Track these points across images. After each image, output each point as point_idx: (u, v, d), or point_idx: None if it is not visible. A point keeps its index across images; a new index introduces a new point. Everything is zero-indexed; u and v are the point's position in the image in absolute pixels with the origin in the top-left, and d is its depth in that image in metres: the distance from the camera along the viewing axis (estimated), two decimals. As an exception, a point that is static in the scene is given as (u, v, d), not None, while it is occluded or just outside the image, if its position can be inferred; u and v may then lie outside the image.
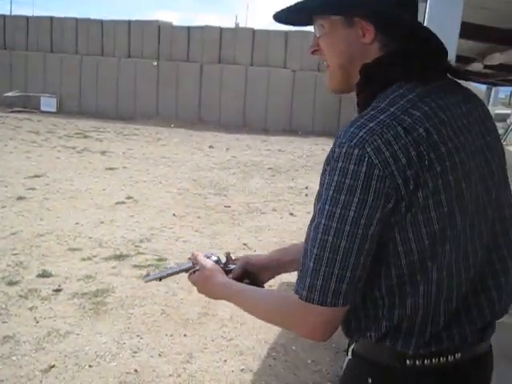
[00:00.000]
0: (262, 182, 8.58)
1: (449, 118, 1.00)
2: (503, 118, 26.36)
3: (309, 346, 3.31)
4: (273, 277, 1.39)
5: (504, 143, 16.04)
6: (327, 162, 0.97)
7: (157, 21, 16.32)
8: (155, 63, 16.10)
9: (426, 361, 1.04)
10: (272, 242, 5.23)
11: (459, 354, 1.05)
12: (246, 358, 3.13)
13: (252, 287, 1.26)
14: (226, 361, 3.08)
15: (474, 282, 1.06)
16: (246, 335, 3.41)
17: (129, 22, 16.39)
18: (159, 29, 16.11)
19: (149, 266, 4.61)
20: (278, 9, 1.13)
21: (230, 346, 3.26)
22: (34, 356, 2.99)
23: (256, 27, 15.87)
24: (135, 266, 4.59)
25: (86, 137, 12.70)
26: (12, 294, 3.83)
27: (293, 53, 14.94)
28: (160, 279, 1.43)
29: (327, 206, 0.94)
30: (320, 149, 12.19)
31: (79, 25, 16.74)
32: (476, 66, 11.11)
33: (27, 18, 17.45)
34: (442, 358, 1.04)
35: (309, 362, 3.14)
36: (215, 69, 15.72)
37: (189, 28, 16.09)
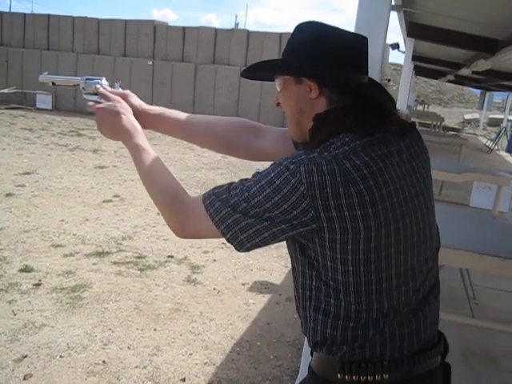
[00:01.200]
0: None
1: (386, 166, 1.14)
2: (497, 122, 26.56)
3: (273, 342, 3.48)
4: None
5: (495, 147, 16.14)
6: (274, 162, 1.15)
7: (153, 21, 16.49)
8: (150, 62, 16.26)
9: (354, 377, 1.18)
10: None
11: (387, 376, 1.19)
12: (211, 352, 3.30)
13: (157, 156, 1.34)
14: (191, 354, 3.25)
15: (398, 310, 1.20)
16: (213, 331, 3.58)
17: (125, 21, 16.55)
18: (155, 28, 16.28)
19: (128, 262, 4.78)
20: (245, 68, 1.33)
21: (197, 341, 3.43)
22: (9, 347, 3.16)
23: (254, 28, 16.03)
24: (115, 263, 4.75)
25: (79, 135, 12.83)
26: (-7, 287, 4.00)
27: (286, 55, 15.11)
28: (53, 83, 1.57)
29: (254, 188, 1.13)
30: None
31: (76, 23, 16.90)
32: (465, 72, 11.28)
33: (24, 15, 17.61)
34: (369, 377, 1.18)
35: (271, 357, 3.31)
36: (209, 69, 15.88)
37: (184, 28, 16.25)
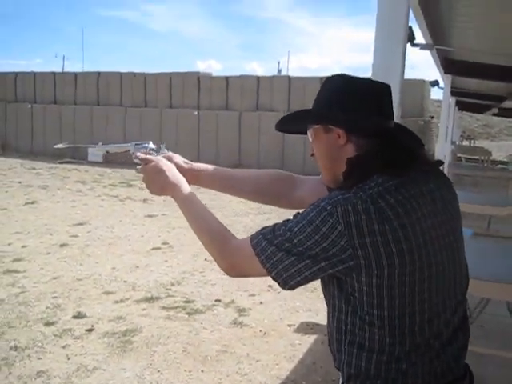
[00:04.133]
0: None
1: (419, 205, 1.22)
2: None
3: (318, 381, 3.50)
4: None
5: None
6: (313, 203, 1.23)
7: (197, 72, 17.06)
8: (196, 112, 16.75)
9: None
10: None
11: None
12: (257, 392, 3.35)
13: (203, 205, 1.44)
14: (237, 395, 3.30)
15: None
16: (259, 371, 3.63)
17: (170, 74, 17.19)
18: (199, 79, 16.82)
19: (176, 307, 4.89)
20: (278, 121, 1.47)
21: (243, 381, 3.48)
22: (63, 389, 3.29)
23: (298, 73, 16.34)
24: (164, 308, 4.87)
25: (129, 185, 13.23)
26: (48, 333, 4.17)
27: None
28: (107, 151, 1.75)
29: (296, 228, 1.21)
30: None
31: (123, 78, 17.67)
32: (508, 104, 11.15)
33: (75, 74, 18.56)
34: None
35: (316, 396, 3.33)
36: (253, 116, 16.21)
37: (227, 78, 16.74)
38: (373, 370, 1.23)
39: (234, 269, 1.35)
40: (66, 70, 21.56)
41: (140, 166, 1.54)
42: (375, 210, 1.16)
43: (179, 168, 1.57)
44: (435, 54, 5.78)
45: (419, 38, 4.77)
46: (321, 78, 15.47)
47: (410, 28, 4.68)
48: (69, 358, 3.74)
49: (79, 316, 4.58)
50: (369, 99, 1.31)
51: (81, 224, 8.46)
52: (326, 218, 1.17)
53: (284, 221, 1.27)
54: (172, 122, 16.89)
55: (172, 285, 5.61)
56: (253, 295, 5.30)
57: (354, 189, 1.22)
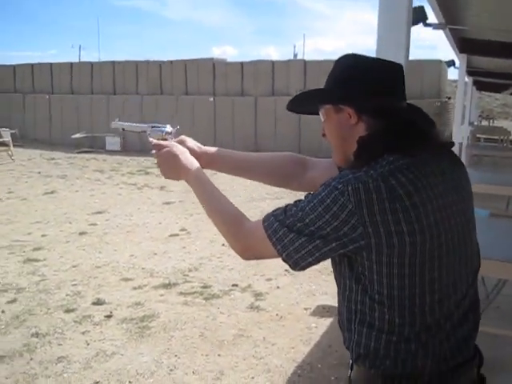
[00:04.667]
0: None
1: (430, 184, 1.20)
2: None
3: (334, 364, 3.52)
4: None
5: None
6: (323, 183, 1.23)
7: (212, 58, 17.03)
8: (211, 99, 16.74)
9: None
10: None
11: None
12: (273, 375, 3.38)
13: (216, 188, 1.44)
14: (253, 378, 3.34)
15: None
16: (276, 354, 3.66)
17: (185, 62, 17.18)
18: (214, 65, 16.79)
19: (194, 292, 4.94)
20: (289, 101, 1.45)
21: (259, 365, 3.51)
22: (83, 374, 3.37)
23: (314, 56, 16.24)
24: (181, 294, 4.93)
25: (147, 173, 13.31)
26: (68, 320, 4.25)
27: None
28: (123, 129, 1.74)
29: (307, 208, 1.21)
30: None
31: (139, 67, 17.71)
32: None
33: (91, 64, 18.65)
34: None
35: (332, 378, 3.35)
36: (269, 101, 16.16)
37: (242, 63, 16.68)
38: (382, 350, 1.24)
39: (247, 251, 1.35)
40: (83, 59, 21.61)
41: (154, 151, 1.55)
42: (386, 188, 1.15)
43: (192, 152, 1.58)
44: (449, 34, 5.70)
45: (432, 17, 4.71)
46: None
47: (422, 8, 4.61)
48: (88, 344, 3.81)
49: (98, 303, 4.65)
50: (380, 78, 1.30)
51: (99, 212, 8.55)
52: (336, 196, 1.17)
53: (295, 201, 1.26)
54: (188, 109, 16.90)
55: (189, 270, 5.67)
56: (269, 279, 5.33)
57: (365, 168, 1.21)
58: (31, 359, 3.57)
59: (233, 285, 5.18)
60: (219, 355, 3.64)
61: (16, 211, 8.48)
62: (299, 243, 1.21)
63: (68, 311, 4.43)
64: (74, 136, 17.34)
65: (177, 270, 5.67)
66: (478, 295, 1.37)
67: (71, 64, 19.13)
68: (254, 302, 4.69)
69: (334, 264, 1.33)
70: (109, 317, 4.33)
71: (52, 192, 10.25)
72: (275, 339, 3.88)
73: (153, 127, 1.63)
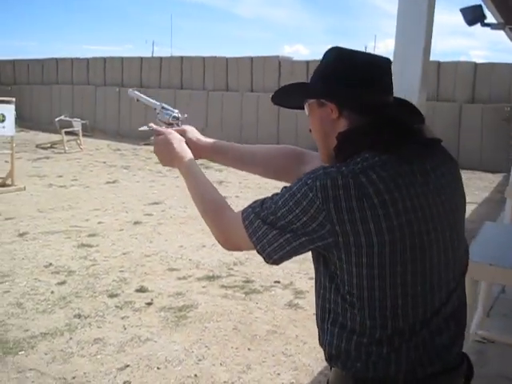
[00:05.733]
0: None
1: (405, 183, 1.16)
2: None
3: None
4: (195, 157, 1.59)
5: None
6: (298, 178, 1.24)
7: (277, 56, 17.07)
8: (275, 96, 16.75)
9: None
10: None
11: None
12: (299, 373, 3.39)
13: (205, 177, 1.49)
14: (279, 374, 3.36)
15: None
16: (305, 353, 3.66)
17: (251, 58, 17.31)
18: (279, 63, 16.83)
19: (235, 286, 5.00)
20: (272, 94, 1.45)
21: (287, 362, 3.53)
22: (115, 356, 3.49)
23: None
24: (223, 286, 5.00)
25: (207, 167, 13.43)
26: (110, 304, 4.41)
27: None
28: (137, 100, 1.84)
29: (280, 201, 1.21)
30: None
31: (206, 62, 17.98)
32: None
33: (161, 59, 19.11)
34: None
35: (359, 381, 3.32)
36: (333, 100, 16.01)
37: (308, 62, 16.63)
38: (353, 352, 1.21)
39: (227, 241, 1.37)
40: (156, 54, 22.16)
41: (152, 138, 1.61)
42: (355, 185, 1.13)
43: (191, 142, 1.63)
44: (510, 34, 5.47)
45: (490, 17, 4.54)
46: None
47: (480, 7, 4.46)
48: (125, 329, 3.94)
49: (141, 290, 4.79)
50: (363, 73, 1.27)
51: (156, 203, 8.77)
52: (306, 191, 1.16)
53: (273, 194, 1.27)
54: (252, 106, 17.02)
55: (235, 264, 5.73)
56: (312, 278, 5.28)
57: (339, 164, 1.20)
58: (70, 338, 3.74)
59: (275, 281, 5.21)
60: (249, 349, 3.68)
61: (78, 198, 8.84)
62: (272, 236, 1.21)
63: (112, 296, 4.60)
64: (140, 129, 17.67)
65: (222, 263, 5.75)
66: (462, 302, 1.32)
67: (141, 58, 19.66)
68: (292, 300, 4.70)
69: (313, 261, 1.32)
70: (149, 304, 4.45)
71: (114, 182, 10.60)
72: (307, 338, 3.88)
73: (163, 108, 1.69)
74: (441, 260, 1.22)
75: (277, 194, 1.25)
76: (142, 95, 1.85)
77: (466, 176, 12.64)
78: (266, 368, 3.43)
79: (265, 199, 1.27)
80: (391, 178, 1.15)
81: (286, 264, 4.64)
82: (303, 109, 1.42)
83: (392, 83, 1.33)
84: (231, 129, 17.28)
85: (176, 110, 1.72)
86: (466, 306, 1.35)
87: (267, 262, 1.29)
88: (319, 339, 1.33)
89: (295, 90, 1.41)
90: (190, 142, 1.63)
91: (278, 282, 5.20)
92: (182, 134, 1.64)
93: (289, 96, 1.45)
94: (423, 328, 1.21)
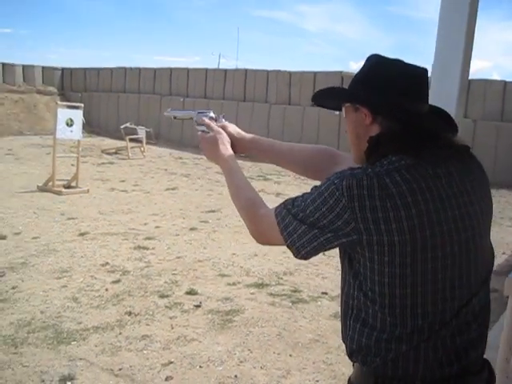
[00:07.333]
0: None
1: (429, 186, 1.22)
2: None
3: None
4: (235, 151, 1.69)
5: None
6: (326, 177, 1.31)
7: (340, 71, 17.08)
8: (337, 112, 16.72)
9: None
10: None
11: None
12: (338, 382, 3.41)
13: (244, 177, 1.58)
14: (318, 381, 3.40)
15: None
16: (346, 363, 3.67)
17: (314, 73, 17.39)
18: (342, 79, 16.82)
19: (283, 295, 5.07)
20: (314, 93, 1.51)
21: (327, 370, 3.56)
22: (161, 353, 3.64)
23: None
24: (271, 294, 5.07)
25: (266, 179, 13.64)
26: (160, 304, 4.57)
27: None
28: (175, 117, 1.91)
29: (309, 199, 1.29)
30: (496, 200, 11.64)
31: (269, 76, 18.20)
32: None
33: (225, 71, 19.48)
34: None
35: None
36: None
37: (371, 78, 16.55)
38: (373, 347, 1.26)
39: (260, 235, 1.45)
40: (222, 67, 22.61)
41: (200, 132, 1.73)
42: (379, 186, 1.18)
43: (232, 136, 1.73)
44: None
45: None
46: (484, 82, 14.69)
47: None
48: (172, 328, 4.08)
49: (191, 293, 4.93)
50: (398, 82, 1.33)
51: (213, 211, 8.94)
52: (333, 191, 1.23)
53: (304, 193, 1.34)
54: (314, 120, 17.07)
55: (284, 274, 5.80)
56: (360, 292, 5.30)
57: (366, 165, 1.27)
58: (120, 333, 3.91)
59: (322, 292, 5.23)
60: (290, 355, 3.74)
61: (138, 203, 9.14)
62: (301, 231, 1.28)
63: (162, 297, 4.76)
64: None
65: (272, 272, 5.82)
66: (485, 305, 1.34)
67: (206, 70, 20.10)
68: (338, 311, 4.70)
69: (340, 259, 1.38)
70: (197, 307, 4.58)
71: (173, 188, 10.88)
72: (350, 349, 3.89)
73: (199, 113, 1.80)
74: (462, 262, 1.26)
75: (307, 193, 1.33)
76: (177, 111, 1.95)
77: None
78: (305, 375, 3.48)
79: (296, 197, 1.35)
80: (415, 180, 1.21)
81: (336, 276, 4.67)
82: (341, 110, 1.49)
83: (428, 93, 1.38)
84: (292, 142, 17.34)
85: (211, 110, 1.82)
86: (490, 310, 1.37)
87: (296, 257, 1.35)
88: (342, 335, 1.39)
89: (334, 94, 1.50)
90: (230, 137, 1.73)
91: (326, 293, 5.23)
92: (224, 128, 1.75)
93: (328, 98, 1.53)
94: (442, 328, 1.24)
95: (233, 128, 1.79)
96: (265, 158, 1.86)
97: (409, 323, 1.23)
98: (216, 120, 1.78)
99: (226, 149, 1.67)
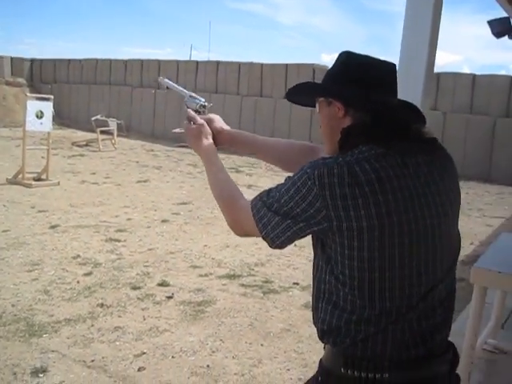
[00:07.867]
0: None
1: (397, 174, 1.27)
2: None
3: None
4: (218, 143, 1.74)
5: None
6: (299, 168, 1.36)
7: (312, 64, 17.16)
8: (309, 104, 16.82)
9: (356, 372, 1.29)
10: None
11: (386, 375, 1.29)
12: (309, 370, 3.47)
13: (224, 171, 1.62)
14: (289, 370, 3.47)
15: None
16: (316, 352, 3.74)
17: (286, 65, 17.45)
18: (314, 71, 16.92)
19: (254, 286, 5.12)
20: (287, 91, 1.56)
21: (298, 359, 3.63)
22: (133, 344, 3.66)
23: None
24: (242, 285, 5.12)
25: (238, 171, 13.68)
26: (132, 296, 4.58)
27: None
28: (167, 87, 1.97)
29: (283, 189, 1.33)
30: (464, 192, 11.87)
31: (242, 68, 18.19)
32: None
33: (197, 63, 19.39)
34: (369, 374, 1.29)
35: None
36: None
37: (342, 70, 16.67)
38: (343, 328, 1.32)
39: (237, 226, 1.49)
40: (193, 59, 22.43)
41: (186, 122, 1.75)
42: (349, 173, 1.23)
43: (216, 130, 1.77)
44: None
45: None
46: (454, 75, 14.92)
47: (508, 19, 4.50)
48: (145, 319, 4.10)
49: (163, 284, 4.95)
50: (369, 75, 1.39)
51: (184, 203, 8.95)
52: (305, 180, 1.28)
53: (278, 184, 1.38)
54: (285, 113, 17.14)
55: (256, 265, 5.85)
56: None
57: (337, 155, 1.32)
58: (92, 325, 3.92)
59: (294, 283, 5.31)
60: (262, 345, 3.80)
61: (109, 195, 9.09)
62: (275, 222, 1.33)
63: (134, 288, 4.77)
64: (174, 130, 17.99)
65: (244, 264, 5.87)
66: (451, 292, 1.40)
67: (177, 62, 19.99)
68: (309, 301, 4.77)
69: (312, 246, 1.43)
70: (169, 298, 4.61)
71: (145, 181, 10.84)
72: (320, 338, 3.97)
73: (190, 96, 1.83)
74: (428, 249, 1.32)
75: (281, 184, 1.37)
76: (172, 83, 1.99)
77: (497, 191, 12.54)
78: (276, 363, 3.54)
79: (271, 188, 1.39)
80: (383, 168, 1.27)
81: (307, 267, 4.75)
82: (315, 106, 1.54)
83: (396, 86, 1.45)
84: (264, 134, 17.31)
85: (203, 99, 1.85)
86: (455, 296, 1.44)
87: (271, 247, 1.39)
88: (313, 319, 1.43)
89: (307, 89, 1.54)
90: (214, 130, 1.77)
91: (297, 283, 5.30)
92: (208, 121, 1.77)
93: (301, 94, 1.58)
94: (409, 312, 1.30)
95: (217, 122, 1.82)
96: (247, 152, 1.94)
97: (377, 305, 1.28)
98: (205, 107, 1.81)
99: (208, 141, 1.70)
